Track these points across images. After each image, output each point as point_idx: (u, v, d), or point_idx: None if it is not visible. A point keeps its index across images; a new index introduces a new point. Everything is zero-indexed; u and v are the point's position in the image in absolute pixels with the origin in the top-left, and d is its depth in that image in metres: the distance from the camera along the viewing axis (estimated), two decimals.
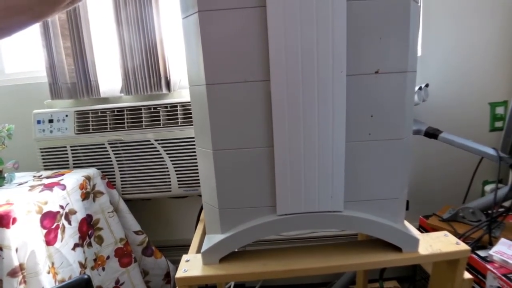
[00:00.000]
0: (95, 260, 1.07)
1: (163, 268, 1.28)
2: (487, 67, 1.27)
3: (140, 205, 1.40)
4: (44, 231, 0.86)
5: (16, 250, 0.76)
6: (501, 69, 1.27)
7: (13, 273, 0.75)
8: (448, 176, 1.35)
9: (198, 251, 0.66)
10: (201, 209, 0.86)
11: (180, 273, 0.55)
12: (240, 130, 0.53)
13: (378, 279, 1.12)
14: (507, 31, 1.24)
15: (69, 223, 0.96)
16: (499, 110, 1.30)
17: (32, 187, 0.96)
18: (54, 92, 1.24)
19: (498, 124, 1.31)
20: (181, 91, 1.27)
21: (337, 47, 0.48)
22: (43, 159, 1.24)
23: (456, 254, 0.56)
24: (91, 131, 1.21)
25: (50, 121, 1.22)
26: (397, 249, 0.57)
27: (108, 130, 1.21)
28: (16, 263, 0.75)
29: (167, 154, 1.22)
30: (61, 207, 0.94)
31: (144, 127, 1.20)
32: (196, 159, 1.20)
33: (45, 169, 1.25)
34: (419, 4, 0.52)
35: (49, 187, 0.95)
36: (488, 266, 0.85)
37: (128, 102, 1.25)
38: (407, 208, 0.61)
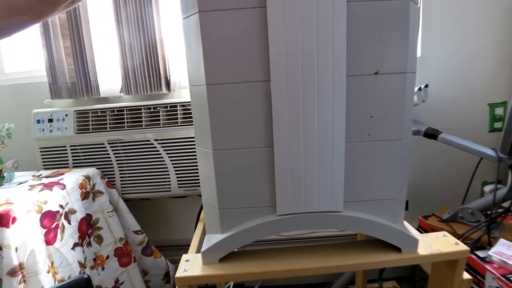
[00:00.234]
0: (94, 259, 1.07)
1: (163, 268, 1.28)
2: (486, 68, 1.27)
3: (139, 205, 1.40)
4: (44, 230, 0.86)
5: (16, 249, 0.76)
6: (501, 69, 1.27)
7: (12, 273, 0.75)
8: (447, 176, 1.36)
9: (198, 250, 0.66)
10: (201, 209, 0.86)
11: (180, 273, 0.55)
12: (240, 130, 0.53)
13: (377, 279, 1.12)
14: (507, 31, 1.24)
15: (69, 222, 0.96)
16: (499, 111, 1.30)
17: (32, 187, 0.96)
18: (54, 91, 1.24)
19: (498, 125, 1.31)
20: (181, 91, 1.27)
21: (337, 47, 0.48)
22: (43, 158, 1.24)
23: (455, 254, 0.57)
24: (90, 130, 1.21)
25: (50, 120, 1.22)
26: (397, 249, 0.57)
27: (108, 129, 1.21)
28: (15, 262, 0.75)
29: (167, 154, 1.22)
30: (61, 206, 0.94)
31: (144, 127, 1.20)
32: (195, 159, 1.20)
33: (45, 169, 1.25)
34: (418, 5, 0.53)
35: (49, 186, 0.95)
36: (487, 267, 0.85)
37: (128, 101, 1.25)
38: (406, 209, 0.61)
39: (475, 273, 0.89)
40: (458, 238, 0.61)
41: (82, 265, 0.97)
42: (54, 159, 1.24)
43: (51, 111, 1.23)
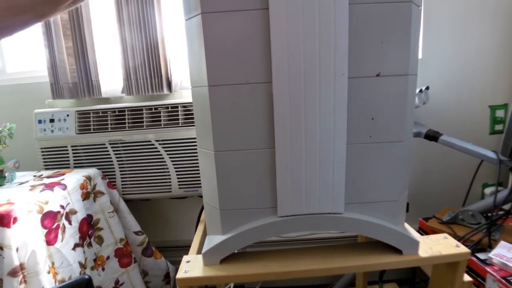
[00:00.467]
0: (95, 260, 1.08)
1: (163, 269, 1.28)
2: (487, 70, 1.27)
3: (140, 206, 1.40)
4: (45, 230, 0.86)
5: (17, 249, 0.76)
6: (502, 71, 1.27)
7: (13, 273, 0.75)
8: (448, 178, 1.36)
9: (198, 252, 0.66)
10: (202, 210, 0.87)
11: (181, 274, 0.55)
12: (241, 131, 0.53)
13: (378, 281, 1.12)
14: (508, 33, 1.24)
15: (70, 223, 0.96)
16: (499, 113, 1.31)
17: (33, 187, 0.96)
18: (56, 91, 1.24)
19: (498, 127, 1.31)
20: (182, 91, 1.27)
21: (339, 49, 0.49)
22: (44, 158, 1.25)
23: (456, 256, 0.57)
24: (92, 131, 1.21)
25: (51, 120, 1.22)
26: (397, 251, 0.57)
27: (109, 130, 1.21)
28: (16, 262, 0.76)
29: (168, 154, 1.22)
30: (62, 207, 0.94)
31: (145, 128, 1.20)
32: (196, 159, 1.20)
33: (46, 169, 1.25)
34: (420, 7, 0.53)
35: (50, 186, 0.95)
36: (488, 269, 0.85)
37: (129, 102, 1.25)
38: (407, 210, 0.62)
39: (476, 275, 0.88)
40: (459, 240, 0.61)
41: (82, 266, 0.97)
42: (55, 159, 1.24)
43: (53, 111, 1.23)
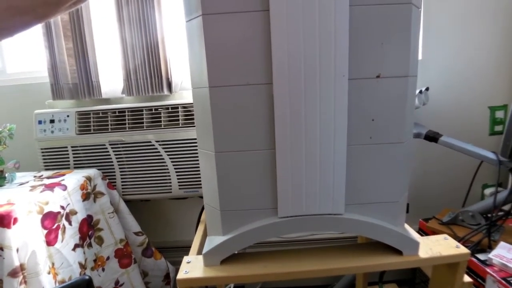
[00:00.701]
0: (95, 260, 1.08)
1: (163, 269, 1.28)
2: (487, 71, 1.28)
3: (140, 206, 1.40)
4: (45, 231, 0.86)
5: (17, 250, 0.76)
6: (501, 72, 1.28)
7: (13, 273, 0.75)
8: (448, 179, 1.36)
9: (199, 252, 0.66)
10: (202, 210, 0.87)
11: (181, 275, 0.55)
12: (242, 132, 0.53)
13: (378, 281, 1.12)
14: (507, 34, 1.24)
15: (70, 223, 0.96)
16: (499, 114, 1.31)
17: (33, 187, 0.96)
18: (56, 92, 1.24)
19: (498, 128, 1.32)
20: (182, 92, 1.27)
21: (339, 51, 0.49)
22: (44, 159, 1.25)
23: (456, 257, 0.57)
24: (92, 131, 1.21)
25: (52, 121, 1.22)
26: (397, 252, 0.57)
27: (109, 130, 1.21)
28: (16, 263, 0.76)
29: (168, 155, 1.22)
30: (62, 207, 0.94)
31: (145, 128, 1.20)
32: (196, 160, 1.20)
33: (46, 169, 1.25)
34: (420, 9, 0.53)
35: (50, 187, 0.95)
36: (488, 270, 0.85)
37: (129, 103, 1.25)
38: (407, 211, 0.62)
39: (476, 276, 0.89)
40: (459, 241, 0.61)
41: (82, 266, 0.97)
42: (56, 160, 1.25)
43: (53, 112, 1.23)
